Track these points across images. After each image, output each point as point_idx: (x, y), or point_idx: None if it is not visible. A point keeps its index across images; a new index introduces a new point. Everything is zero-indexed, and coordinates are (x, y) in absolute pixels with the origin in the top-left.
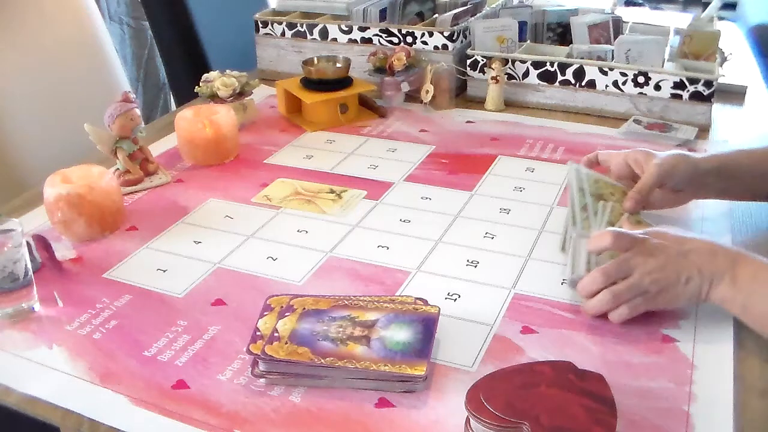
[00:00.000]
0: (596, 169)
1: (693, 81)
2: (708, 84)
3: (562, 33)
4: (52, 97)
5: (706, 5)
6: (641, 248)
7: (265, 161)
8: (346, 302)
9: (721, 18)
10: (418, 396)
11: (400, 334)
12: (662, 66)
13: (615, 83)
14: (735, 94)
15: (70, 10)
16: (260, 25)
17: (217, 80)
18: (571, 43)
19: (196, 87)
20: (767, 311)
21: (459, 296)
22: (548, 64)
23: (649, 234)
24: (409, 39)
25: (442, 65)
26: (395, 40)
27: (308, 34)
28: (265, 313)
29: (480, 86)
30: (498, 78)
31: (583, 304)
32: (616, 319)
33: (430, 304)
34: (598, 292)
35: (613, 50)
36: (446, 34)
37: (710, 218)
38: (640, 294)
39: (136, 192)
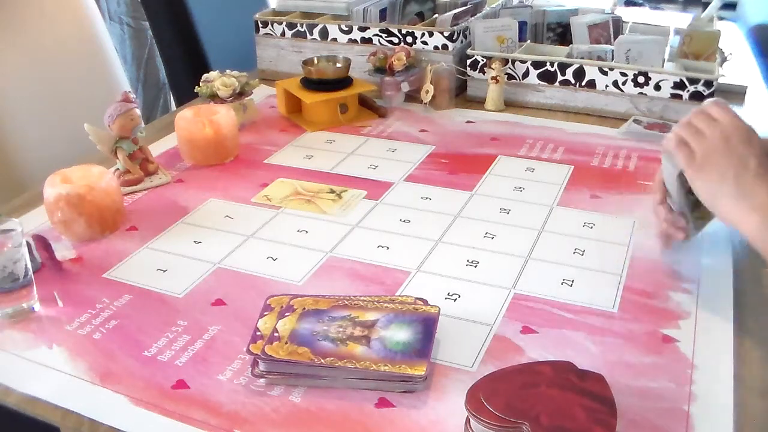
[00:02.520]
0: None
1: (693, 81)
2: (708, 84)
3: (562, 33)
4: (52, 97)
5: (706, 5)
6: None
7: (265, 161)
8: (346, 302)
9: (721, 18)
10: (418, 396)
11: (400, 334)
12: (662, 66)
13: (615, 83)
14: (735, 94)
15: (70, 10)
16: (260, 25)
17: (217, 80)
18: (571, 43)
19: (196, 87)
20: None
21: (459, 296)
22: (548, 64)
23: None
24: (409, 39)
25: (442, 65)
26: (395, 40)
27: (308, 34)
28: (265, 313)
29: (480, 86)
30: (498, 78)
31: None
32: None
33: (430, 304)
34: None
35: (613, 50)
36: (446, 34)
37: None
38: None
39: (136, 192)
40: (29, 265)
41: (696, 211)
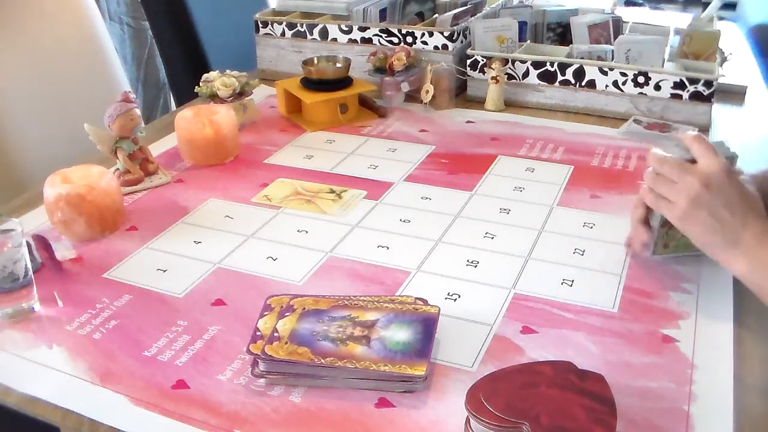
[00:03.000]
0: None
1: (693, 81)
2: (708, 84)
3: (562, 33)
4: (52, 97)
5: (706, 5)
6: (694, 181)
7: (265, 161)
8: (346, 302)
9: (721, 18)
10: (418, 396)
11: (400, 334)
12: (662, 66)
13: (615, 83)
14: (735, 94)
15: (70, 10)
16: (260, 25)
17: (217, 80)
18: (571, 43)
19: (196, 87)
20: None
21: (459, 296)
22: (548, 64)
23: (719, 171)
24: (409, 39)
25: (442, 65)
26: (395, 40)
27: (308, 34)
28: (265, 313)
29: (480, 86)
30: (498, 78)
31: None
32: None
33: (430, 304)
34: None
35: (613, 50)
36: (446, 34)
37: None
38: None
39: (136, 192)
40: (29, 265)
41: (666, 237)
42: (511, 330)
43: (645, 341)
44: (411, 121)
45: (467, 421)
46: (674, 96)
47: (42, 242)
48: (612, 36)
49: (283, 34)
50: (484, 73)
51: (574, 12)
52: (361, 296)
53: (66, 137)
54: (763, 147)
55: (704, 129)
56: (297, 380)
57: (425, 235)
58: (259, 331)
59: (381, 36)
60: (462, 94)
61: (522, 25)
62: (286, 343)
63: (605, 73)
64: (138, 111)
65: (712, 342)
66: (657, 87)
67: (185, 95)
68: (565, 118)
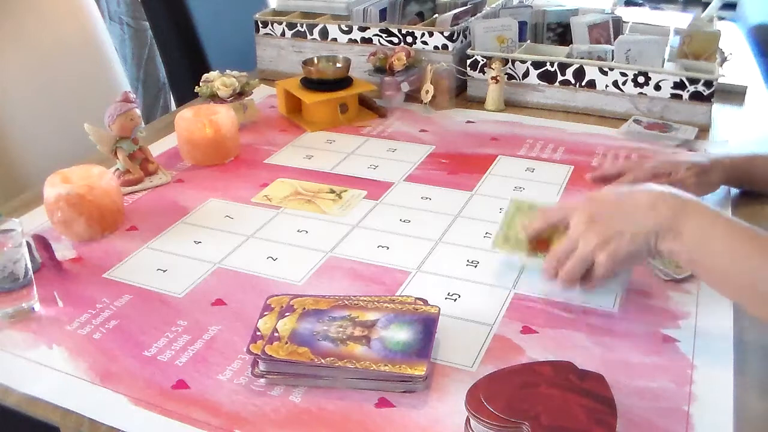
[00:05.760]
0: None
1: (693, 81)
2: (708, 84)
3: (562, 33)
4: (52, 97)
5: (706, 5)
6: (579, 218)
7: (265, 161)
8: (346, 302)
9: (721, 18)
10: (418, 396)
11: (400, 334)
12: (662, 66)
13: (615, 83)
14: (735, 94)
15: (70, 10)
16: (260, 25)
17: (217, 80)
18: (571, 43)
19: (196, 87)
20: (714, 267)
21: (459, 296)
22: (548, 64)
23: (586, 200)
24: (409, 39)
25: (442, 65)
26: (395, 40)
27: (308, 34)
28: (265, 313)
29: (480, 86)
30: (498, 78)
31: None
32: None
33: (430, 304)
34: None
35: (613, 50)
36: (446, 34)
37: None
38: (591, 262)
39: (136, 192)
40: (29, 265)
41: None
42: (511, 330)
43: (645, 341)
44: (411, 121)
45: (467, 421)
46: (674, 96)
47: (42, 242)
48: (612, 36)
49: (283, 34)
50: (484, 73)
51: (574, 12)
52: (361, 296)
53: (66, 137)
54: (763, 147)
55: (704, 129)
56: (297, 380)
57: (425, 235)
58: (259, 331)
59: (381, 36)
60: (462, 94)
61: (522, 25)
62: (286, 343)
63: (605, 73)
64: (138, 111)
65: (712, 342)
66: (657, 87)
67: (185, 95)
68: (565, 118)
